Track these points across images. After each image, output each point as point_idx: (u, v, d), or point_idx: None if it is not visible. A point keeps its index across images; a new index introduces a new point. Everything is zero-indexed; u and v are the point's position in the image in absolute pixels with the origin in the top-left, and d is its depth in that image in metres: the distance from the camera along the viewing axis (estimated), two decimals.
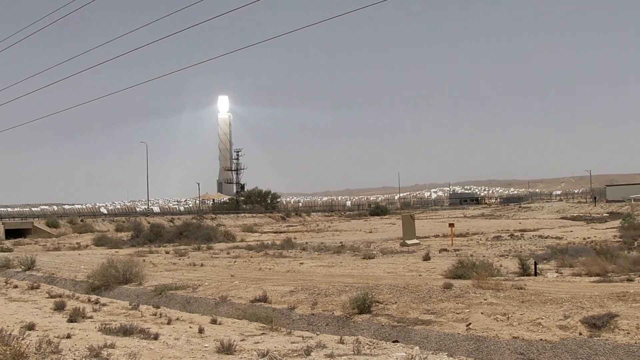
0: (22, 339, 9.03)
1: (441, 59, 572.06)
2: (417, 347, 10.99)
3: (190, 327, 13.00)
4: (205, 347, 10.19)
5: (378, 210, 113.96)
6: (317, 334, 12.66)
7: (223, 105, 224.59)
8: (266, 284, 20.49)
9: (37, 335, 10.58)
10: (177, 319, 14.58)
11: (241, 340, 10.72)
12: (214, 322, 14.07)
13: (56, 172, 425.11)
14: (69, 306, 16.34)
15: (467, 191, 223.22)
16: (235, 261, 30.25)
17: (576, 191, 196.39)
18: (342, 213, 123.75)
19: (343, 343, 10.86)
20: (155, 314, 15.28)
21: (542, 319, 13.40)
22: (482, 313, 14.35)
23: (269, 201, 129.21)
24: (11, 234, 70.02)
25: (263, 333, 12.43)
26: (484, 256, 27.72)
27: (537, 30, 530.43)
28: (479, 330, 13.41)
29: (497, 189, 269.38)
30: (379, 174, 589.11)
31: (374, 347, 10.38)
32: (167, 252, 38.19)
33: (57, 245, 52.16)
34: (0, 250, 45.62)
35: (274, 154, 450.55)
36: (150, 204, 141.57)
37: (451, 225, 37.75)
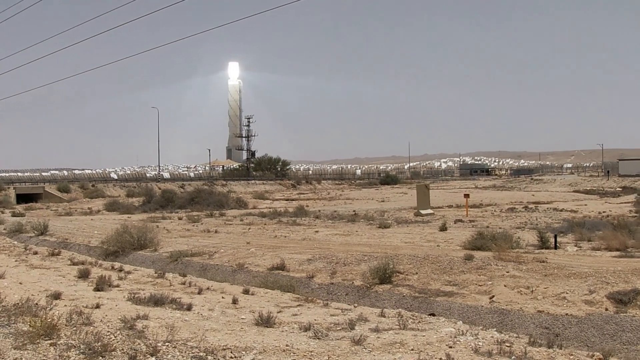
0: (50, 309, 8.68)
1: (452, 28, 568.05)
2: (460, 322, 10.77)
3: (222, 297, 12.70)
4: (242, 318, 9.91)
5: (388, 180, 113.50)
6: (354, 306, 12.44)
7: (233, 72, 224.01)
8: (283, 252, 20.34)
9: (65, 305, 10.26)
10: (208, 288, 14.23)
11: (278, 312, 10.42)
12: (246, 292, 13.78)
13: (66, 137, 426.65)
14: (94, 274, 15.98)
15: (477, 162, 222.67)
16: (249, 228, 30.01)
17: (587, 165, 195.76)
18: (353, 182, 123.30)
19: (384, 316, 10.62)
20: (184, 283, 14.97)
21: (567, 293, 13.22)
22: (505, 286, 14.18)
23: (279, 169, 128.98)
24: (22, 198, 69.77)
25: (299, 305, 12.19)
26: (500, 228, 27.43)
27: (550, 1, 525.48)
28: (502, 303, 13.25)
29: (507, 161, 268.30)
30: (389, 143, 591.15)
31: (419, 322, 10.14)
32: (179, 218, 37.93)
33: (68, 210, 51.92)
34: (12, 214, 45.36)
35: (283, 122, 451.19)
36: (160, 170, 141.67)
37: (466, 196, 37.43)
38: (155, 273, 17.04)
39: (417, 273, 16.06)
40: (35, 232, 30.66)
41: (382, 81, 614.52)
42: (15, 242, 27.47)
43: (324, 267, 17.78)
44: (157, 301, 10.81)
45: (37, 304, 9.16)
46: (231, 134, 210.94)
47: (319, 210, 41.60)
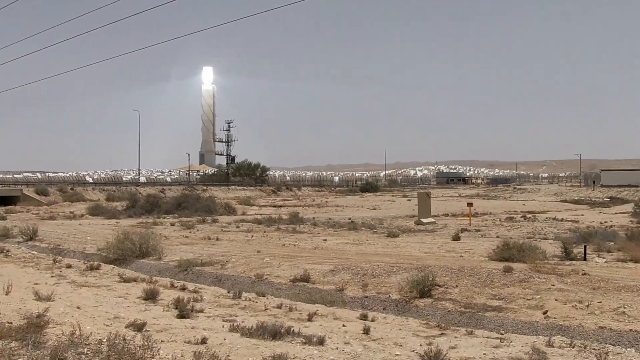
0: (156, 350, 7.12)
1: (424, 37, 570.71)
2: None
3: (343, 325, 11.13)
4: (397, 355, 8.50)
5: (368, 187, 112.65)
6: (501, 333, 11.35)
7: (207, 76, 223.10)
8: (300, 262, 19.35)
9: (162, 341, 8.43)
10: (315, 313, 12.41)
11: (428, 345, 9.13)
12: (364, 317, 12.16)
13: (35, 139, 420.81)
14: (163, 294, 13.89)
15: (452, 170, 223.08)
16: (252, 236, 28.71)
17: (562, 174, 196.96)
18: (332, 189, 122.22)
19: (552, 346, 9.55)
20: (279, 307, 13.09)
21: (625, 307, 12.48)
22: (556, 300, 13.37)
23: (258, 174, 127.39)
24: None
25: (442, 333, 10.88)
26: (511, 238, 26.73)
27: (524, 10, 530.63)
28: (558, 318, 12.40)
29: (482, 170, 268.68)
30: (361, 151, 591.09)
31: (608, 352, 9.06)
32: (171, 224, 36.45)
33: (51, 214, 50.19)
34: None
35: (256, 127, 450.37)
36: (133, 174, 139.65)
37: (469, 205, 36.74)
38: (229, 293, 15.12)
39: (457, 286, 15.14)
40: (24, 237, 29.19)
41: (355, 88, 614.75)
42: (35, 252, 24.90)
43: (351, 279, 16.78)
44: (273, 334, 9.08)
45: (124, 339, 7.34)
46: (204, 139, 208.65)
47: (313, 218, 40.48)
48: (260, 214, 47.13)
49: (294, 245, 24.63)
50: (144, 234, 23.63)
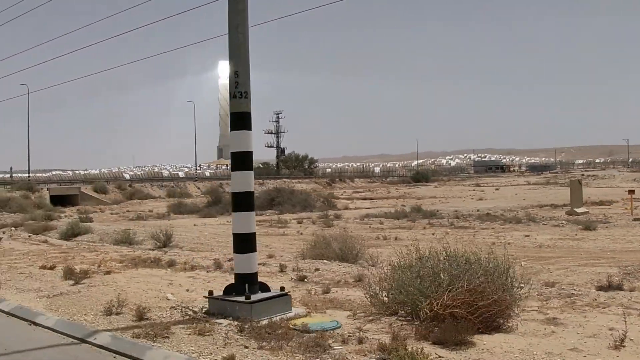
0: None
1: (428, 28, 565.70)
2: None
3: None
4: None
5: (419, 177, 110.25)
6: None
7: (224, 71, 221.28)
8: (565, 264, 17.14)
9: None
10: None
11: None
12: None
13: (54, 138, 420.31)
14: None
15: (483, 159, 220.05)
16: (433, 234, 25.35)
17: (597, 161, 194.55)
18: (383, 180, 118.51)
19: None
20: None
21: None
22: None
23: (306, 166, 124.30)
24: (56, 200, 64.86)
25: None
26: None
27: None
28: None
29: (514, 158, 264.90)
30: (375, 142, 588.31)
31: None
32: (299, 222, 33.45)
33: (132, 213, 46.85)
34: (79, 220, 39.78)
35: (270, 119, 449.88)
36: (157, 169, 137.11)
37: (631, 192, 34.33)
38: None
39: None
40: (157, 242, 25.53)
41: (364, 81, 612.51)
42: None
43: None
44: None
45: None
46: (222, 132, 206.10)
47: (437, 211, 37.25)
48: (367, 207, 44.60)
49: (509, 244, 21.67)
50: (342, 236, 20.79)
